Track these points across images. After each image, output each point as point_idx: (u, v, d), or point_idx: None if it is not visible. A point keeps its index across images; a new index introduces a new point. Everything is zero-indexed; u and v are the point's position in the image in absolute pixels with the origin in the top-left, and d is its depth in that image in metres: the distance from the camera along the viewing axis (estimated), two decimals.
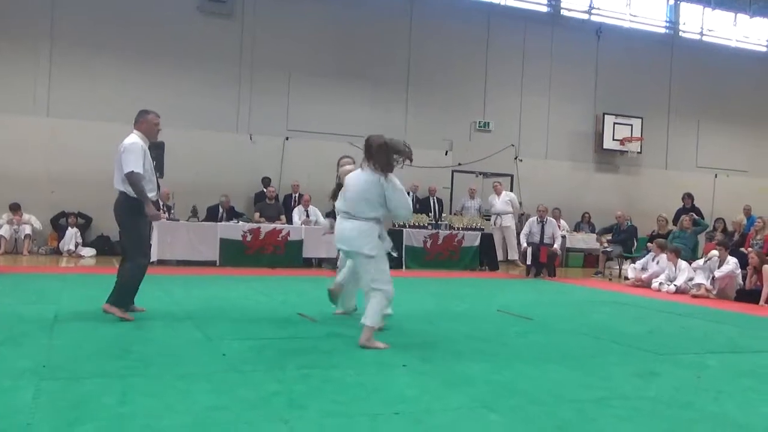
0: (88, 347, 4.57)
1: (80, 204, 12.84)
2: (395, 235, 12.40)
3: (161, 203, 5.90)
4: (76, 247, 12.40)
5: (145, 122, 6.23)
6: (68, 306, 6.32)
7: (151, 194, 5.97)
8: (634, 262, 11.71)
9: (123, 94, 13.37)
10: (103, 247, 12.81)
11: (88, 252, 12.48)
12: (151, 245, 6.44)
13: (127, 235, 6.13)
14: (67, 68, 13.16)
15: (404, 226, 12.28)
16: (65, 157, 12.94)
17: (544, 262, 11.70)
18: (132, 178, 5.75)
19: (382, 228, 5.25)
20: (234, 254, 11.24)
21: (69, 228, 12.50)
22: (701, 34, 18.39)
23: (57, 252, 12.43)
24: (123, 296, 5.85)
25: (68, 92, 13.14)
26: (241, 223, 11.85)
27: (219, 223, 11.65)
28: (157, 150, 11.37)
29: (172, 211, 11.64)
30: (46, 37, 13.06)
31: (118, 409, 3.22)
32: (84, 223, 12.87)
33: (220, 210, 12.42)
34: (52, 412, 3.13)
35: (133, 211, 5.94)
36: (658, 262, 10.79)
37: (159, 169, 11.27)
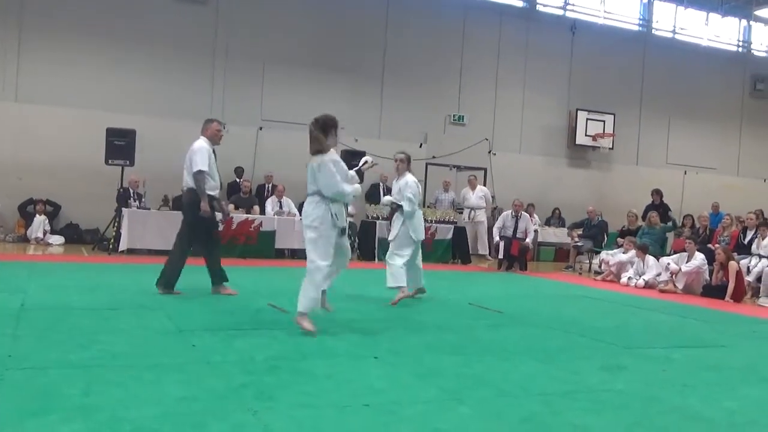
0: (55, 337, 4.51)
1: (49, 191, 12.64)
2: (369, 226, 12.42)
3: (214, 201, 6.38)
4: (44, 234, 12.22)
5: (209, 129, 7.00)
6: (35, 295, 6.22)
7: (214, 191, 6.83)
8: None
9: (94, 81, 13.19)
10: (72, 235, 12.64)
11: (57, 240, 12.30)
12: (205, 238, 6.99)
13: (184, 224, 6.95)
14: (36, 53, 12.91)
15: (377, 218, 12.28)
16: (33, 144, 12.71)
17: (515, 255, 11.78)
18: (198, 176, 6.64)
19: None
20: None
21: (37, 215, 12.30)
22: (673, 32, 18.63)
23: (24, 239, 12.22)
24: (168, 278, 6.73)
25: (38, 77, 12.90)
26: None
27: None
28: (127, 137, 11.33)
29: (143, 200, 11.49)
30: (15, 21, 12.80)
31: (83, 400, 3.18)
32: (52, 210, 12.68)
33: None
34: (17, 402, 3.08)
35: (194, 206, 6.73)
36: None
37: (129, 156, 11.25)
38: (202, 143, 6.82)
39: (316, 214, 5.19)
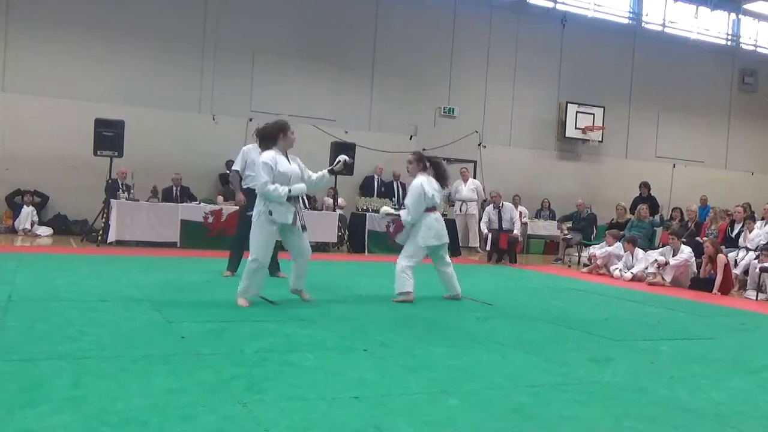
0: (43, 328, 4.49)
1: (37, 182, 12.56)
2: (359, 219, 12.41)
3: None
4: (32, 226, 12.14)
5: None
6: (23, 286, 6.18)
7: (252, 184, 7.29)
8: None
9: (83, 71, 13.11)
10: (60, 226, 12.58)
11: (45, 231, 12.23)
12: (241, 229, 7.59)
13: None
14: (23, 43, 12.80)
15: (367, 210, 12.28)
16: (20, 134, 12.62)
17: (504, 248, 11.81)
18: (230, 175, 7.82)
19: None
20: (195, 236, 11.10)
21: (24, 206, 12.21)
22: (663, 25, 18.67)
23: (12, 231, 12.13)
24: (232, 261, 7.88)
25: (25, 67, 12.79)
26: (202, 204, 11.71)
27: (180, 204, 11.49)
28: (116, 128, 11.26)
29: (132, 191, 11.44)
30: (2, 10, 12.66)
31: (72, 392, 3.17)
32: (40, 201, 12.60)
33: (174, 189, 12.25)
34: (4, 395, 3.06)
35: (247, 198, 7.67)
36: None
37: (118, 148, 11.19)
38: (247, 146, 7.85)
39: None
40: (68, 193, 12.67)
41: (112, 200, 10.86)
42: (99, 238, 10.92)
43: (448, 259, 7.03)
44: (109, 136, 11.17)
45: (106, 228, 10.80)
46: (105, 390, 3.21)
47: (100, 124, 11.24)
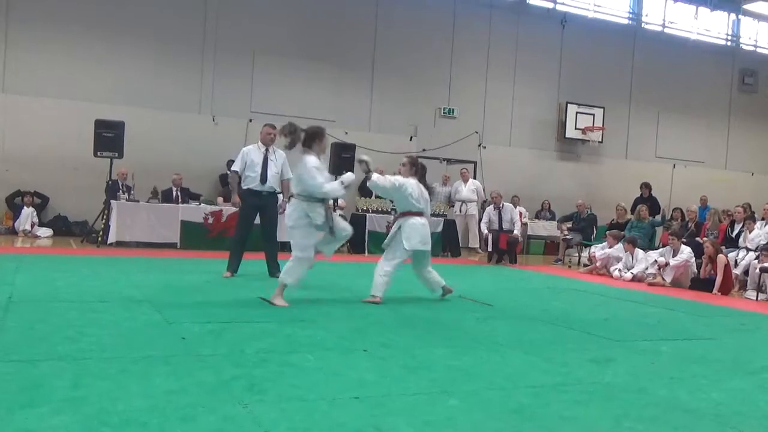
0: (43, 329, 4.49)
1: (37, 183, 12.55)
2: (359, 219, 12.41)
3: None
4: (32, 227, 12.14)
5: (261, 134, 7.94)
6: (23, 287, 6.18)
7: (253, 184, 7.72)
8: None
9: (83, 72, 13.11)
10: (61, 227, 12.57)
11: (45, 232, 12.22)
12: (242, 229, 8.01)
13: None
14: (24, 44, 12.79)
15: (367, 211, 12.29)
16: (21, 135, 12.61)
17: (504, 248, 11.81)
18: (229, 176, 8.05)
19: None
20: (195, 237, 11.10)
21: (25, 207, 12.21)
22: (663, 26, 18.67)
23: (12, 232, 12.13)
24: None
25: (25, 68, 12.78)
26: (202, 205, 11.71)
27: (180, 205, 11.49)
28: (116, 129, 11.26)
29: (132, 192, 11.44)
30: (2, 12, 12.67)
31: (72, 393, 3.17)
32: (40, 202, 12.59)
33: (174, 190, 12.25)
34: (5, 395, 3.06)
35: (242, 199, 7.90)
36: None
37: (118, 149, 11.19)
38: (247, 147, 7.94)
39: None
40: (68, 194, 12.66)
41: (112, 201, 10.86)
42: (99, 239, 10.92)
43: (429, 264, 6.95)
44: (109, 137, 11.17)
45: (107, 229, 10.81)
46: (105, 391, 3.22)
47: (100, 125, 11.24)
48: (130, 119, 11.91)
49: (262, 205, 7.83)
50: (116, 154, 11.24)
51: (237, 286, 7.14)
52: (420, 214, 6.74)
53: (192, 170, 13.13)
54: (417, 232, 6.64)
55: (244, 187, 7.77)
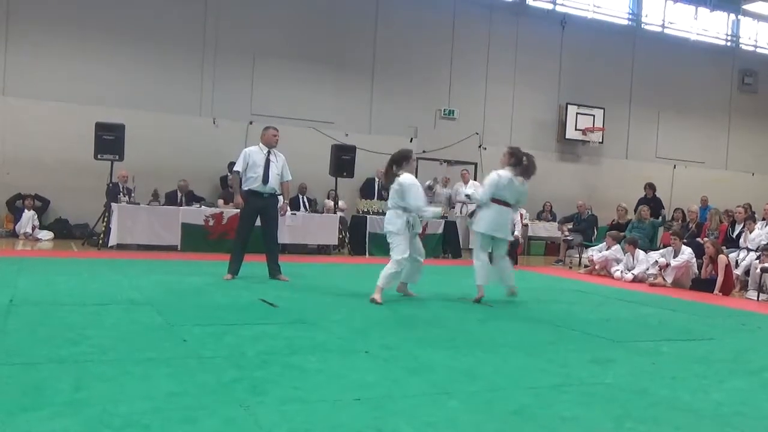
0: (44, 332, 4.49)
1: (37, 186, 12.56)
2: (359, 221, 12.42)
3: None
4: (33, 230, 12.14)
5: (265, 135, 7.98)
6: (24, 290, 6.19)
7: (254, 185, 7.78)
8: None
9: (83, 75, 13.11)
10: (62, 230, 12.57)
11: (46, 235, 12.22)
12: (243, 231, 8.05)
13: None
14: (24, 46, 12.81)
15: (368, 212, 12.29)
16: (22, 138, 12.62)
17: None
18: (229, 178, 8.03)
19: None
20: (196, 239, 11.11)
21: (26, 210, 12.21)
22: (663, 26, 18.68)
23: (13, 235, 12.14)
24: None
25: (26, 71, 12.80)
26: (203, 207, 11.72)
27: (181, 208, 11.51)
28: (116, 132, 11.27)
29: (132, 195, 11.45)
30: (3, 14, 12.69)
31: (74, 395, 3.17)
32: (41, 205, 12.60)
33: (179, 194, 12.27)
34: (6, 398, 3.07)
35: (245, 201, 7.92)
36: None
37: (118, 151, 11.20)
38: (250, 148, 7.98)
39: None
40: (69, 197, 12.67)
41: (112, 204, 10.87)
42: (100, 241, 10.93)
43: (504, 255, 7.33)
44: (109, 140, 11.18)
45: (107, 232, 10.81)
46: (107, 393, 3.22)
47: (101, 127, 11.25)
48: (131, 122, 11.92)
49: (263, 207, 7.87)
50: (117, 157, 11.25)
51: (238, 288, 7.14)
52: (502, 203, 7.03)
53: (192, 173, 13.14)
54: (488, 218, 7.03)
55: (245, 188, 7.80)
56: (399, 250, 6.65)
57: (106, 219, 11.02)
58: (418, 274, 7.04)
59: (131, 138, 11.58)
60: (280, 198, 8.22)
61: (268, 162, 7.79)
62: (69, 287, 6.55)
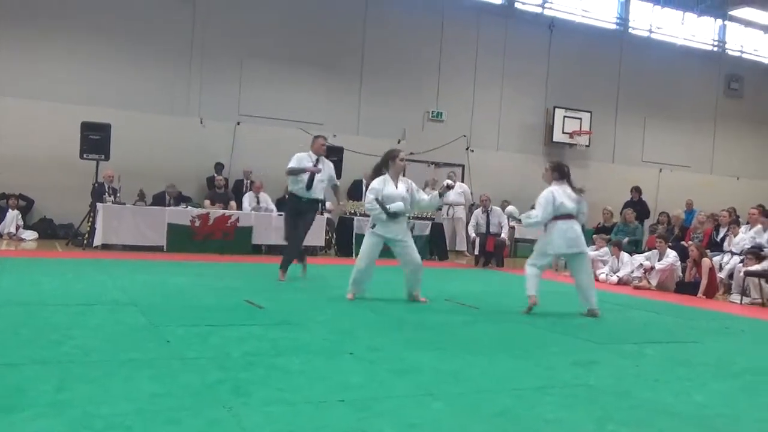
0: (27, 333, 4.46)
1: (22, 186, 12.47)
2: (346, 222, 12.41)
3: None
4: (17, 229, 12.04)
5: (314, 144, 8.30)
6: (8, 290, 6.15)
7: (298, 190, 8.16)
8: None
9: (69, 75, 13.03)
10: (46, 230, 12.49)
11: (30, 235, 12.13)
12: (293, 233, 8.39)
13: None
14: (9, 45, 12.72)
15: (355, 214, 12.28)
16: (6, 137, 12.51)
17: (491, 251, 11.84)
18: (287, 171, 8.16)
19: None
20: (182, 240, 11.07)
21: (10, 210, 12.12)
22: (650, 31, 18.80)
23: None
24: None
25: (11, 70, 12.70)
26: (189, 208, 11.67)
27: (167, 208, 11.46)
28: (102, 132, 11.21)
29: (118, 195, 11.39)
30: None
31: (56, 396, 3.15)
32: (26, 205, 12.51)
33: (167, 198, 12.22)
34: None
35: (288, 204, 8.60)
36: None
37: (104, 151, 11.14)
38: (299, 154, 8.26)
39: None
40: (54, 197, 12.58)
41: (98, 204, 10.82)
42: (85, 242, 10.87)
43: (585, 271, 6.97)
44: (95, 140, 11.13)
45: (92, 232, 10.76)
46: (90, 394, 3.20)
47: (87, 127, 11.19)
48: (118, 122, 11.86)
49: (301, 210, 8.24)
50: (102, 157, 11.20)
51: (224, 289, 7.12)
52: (567, 217, 6.85)
53: (179, 173, 13.09)
54: (557, 235, 6.78)
55: (290, 190, 8.28)
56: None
57: (91, 219, 10.96)
58: (416, 282, 6.95)
59: (118, 138, 11.52)
60: (329, 204, 9.07)
61: None
62: (53, 287, 6.51)
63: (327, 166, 8.28)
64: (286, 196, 8.25)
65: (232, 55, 14.23)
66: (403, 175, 7.15)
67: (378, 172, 6.94)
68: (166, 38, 13.78)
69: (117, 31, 13.36)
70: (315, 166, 8.07)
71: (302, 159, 8.13)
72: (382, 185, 6.75)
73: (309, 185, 8.08)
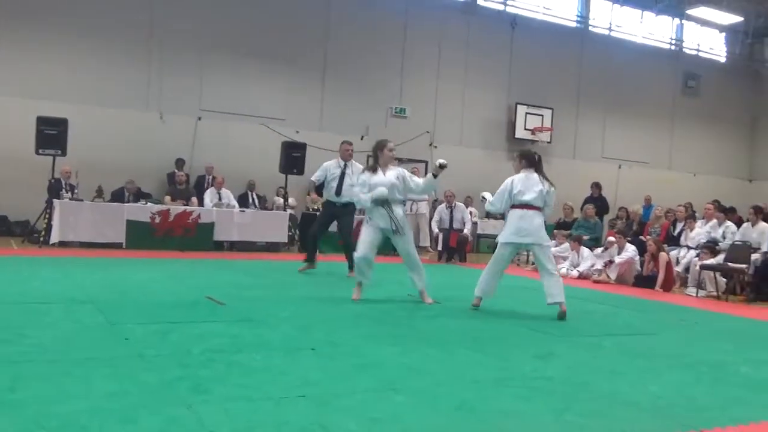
0: None
1: None
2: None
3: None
4: None
5: (340, 150, 8.85)
6: None
7: (330, 196, 8.69)
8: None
9: (23, 68, 12.73)
10: (1, 227, 12.21)
11: None
12: (314, 228, 9.12)
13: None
14: None
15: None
16: None
17: (454, 246, 11.92)
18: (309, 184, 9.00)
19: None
20: (141, 236, 10.91)
21: None
22: (610, 29, 19.09)
23: None
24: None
25: None
26: (149, 204, 11.50)
27: (126, 204, 11.28)
28: (59, 126, 10.98)
29: (76, 191, 11.17)
30: None
31: (9, 396, 3.08)
32: None
33: (127, 194, 12.03)
34: None
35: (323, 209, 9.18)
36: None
37: (61, 146, 10.91)
38: (328, 161, 8.82)
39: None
40: (9, 193, 12.28)
41: (54, 200, 10.60)
42: (41, 239, 10.64)
43: (547, 266, 6.63)
44: (51, 135, 10.88)
45: (49, 229, 10.54)
46: (44, 394, 3.14)
47: (43, 122, 10.94)
48: (75, 116, 11.63)
49: (336, 214, 8.72)
50: (59, 152, 10.96)
51: (184, 286, 7.04)
52: (524, 206, 6.50)
53: (139, 168, 12.90)
54: (509, 224, 6.64)
55: (325, 196, 8.79)
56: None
57: (47, 216, 10.73)
58: (415, 280, 6.92)
59: (75, 133, 11.30)
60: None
61: (342, 175, 8.56)
62: (8, 285, 6.37)
63: (355, 170, 8.36)
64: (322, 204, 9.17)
65: (192, 49, 14.05)
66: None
67: (372, 168, 6.96)
68: (124, 31, 13.54)
69: (73, 24, 13.09)
70: (342, 172, 8.51)
71: (329, 167, 8.61)
72: (368, 177, 6.85)
73: (338, 191, 8.53)
